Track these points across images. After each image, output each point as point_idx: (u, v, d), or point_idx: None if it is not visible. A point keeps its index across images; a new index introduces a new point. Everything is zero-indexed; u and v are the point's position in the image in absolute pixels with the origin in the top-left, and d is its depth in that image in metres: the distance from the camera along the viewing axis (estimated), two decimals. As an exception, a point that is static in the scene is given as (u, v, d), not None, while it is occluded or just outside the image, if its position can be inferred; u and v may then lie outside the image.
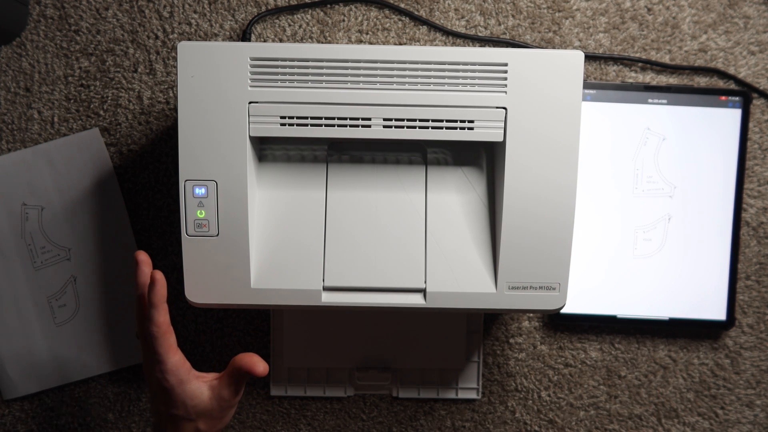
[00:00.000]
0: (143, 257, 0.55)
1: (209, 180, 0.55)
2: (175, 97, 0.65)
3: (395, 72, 0.54)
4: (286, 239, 0.57)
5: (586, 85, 0.67)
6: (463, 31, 0.69)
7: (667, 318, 0.68)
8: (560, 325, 0.70)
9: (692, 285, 0.68)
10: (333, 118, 0.55)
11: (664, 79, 0.69)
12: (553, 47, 0.69)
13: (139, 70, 0.68)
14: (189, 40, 0.68)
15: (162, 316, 0.53)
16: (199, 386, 0.54)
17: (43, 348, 0.69)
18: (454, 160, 0.59)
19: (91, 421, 0.70)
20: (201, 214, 0.55)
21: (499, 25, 0.69)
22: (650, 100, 0.67)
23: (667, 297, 0.68)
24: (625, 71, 0.69)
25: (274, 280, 0.56)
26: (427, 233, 0.57)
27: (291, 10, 0.68)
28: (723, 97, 0.68)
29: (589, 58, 0.68)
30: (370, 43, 0.68)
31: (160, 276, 0.52)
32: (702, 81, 0.70)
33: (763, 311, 0.71)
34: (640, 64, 0.69)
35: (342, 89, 0.54)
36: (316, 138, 0.57)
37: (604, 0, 0.69)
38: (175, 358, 0.53)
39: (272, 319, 0.69)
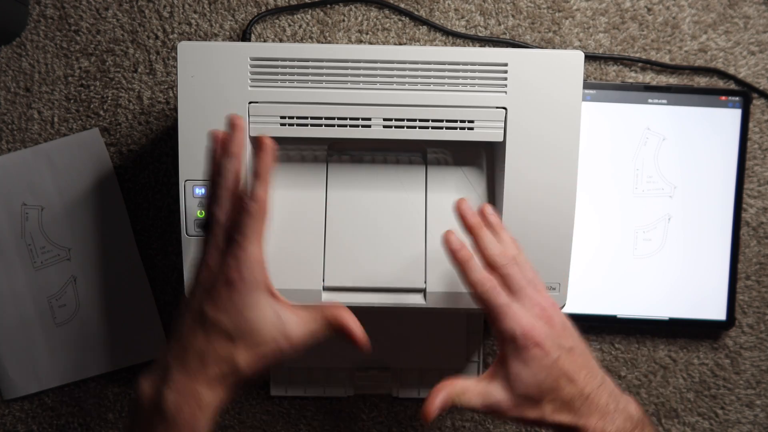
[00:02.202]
0: (239, 122, 0.46)
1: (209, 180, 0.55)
2: (175, 97, 0.65)
3: (395, 72, 0.54)
4: (286, 239, 0.57)
5: (586, 85, 0.67)
6: (463, 31, 0.69)
7: (667, 318, 0.68)
8: (560, 325, 0.70)
9: (692, 285, 0.68)
10: (333, 118, 0.55)
11: (664, 79, 0.69)
12: (553, 47, 0.69)
13: (139, 70, 0.68)
14: (189, 40, 0.68)
15: (264, 191, 0.44)
16: (269, 302, 0.43)
17: (43, 348, 0.69)
18: (454, 160, 0.59)
19: (90, 421, 0.70)
20: (201, 214, 0.55)
21: (499, 25, 0.69)
22: (650, 100, 0.67)
23: (667, 297, 0.68)
24: (625, 71, 0.69)
25: (274, 280, 0.56)
26: (427, 233, 0.57)
27: (291, 10, 0.68)
28: (723, 97, 0.68)
29: (589, 58, 0.68)
30: (370, 43, 0.68)
31: (269, 141, 0.44)
32: (702, 81, 0.70)
33: (763, 311, 0.71)
34: (640, 64, 0.69)
35: (342, 89, 0.54)
36: (316, 138, 0.57)
37: (604, 0, 0.69)
38: (259, 251, 0.43)
39: (272, 319, 0.69)
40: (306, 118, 0.55)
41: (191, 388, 0.41)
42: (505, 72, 0.54)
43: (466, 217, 0.50)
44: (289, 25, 0.68)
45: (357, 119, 0.55)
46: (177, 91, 0.54)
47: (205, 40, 0.68)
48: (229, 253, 0.43)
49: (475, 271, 0.47)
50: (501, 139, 0.55)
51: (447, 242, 0.49)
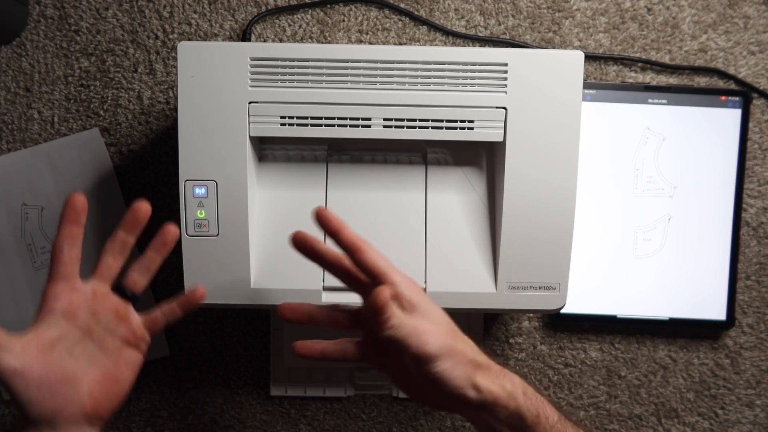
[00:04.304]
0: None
1: (209, 180, 0.55)
2: (175, 97, 0.65)
3: (395, 72, 0.54)
4: (286, 239, 0.57)
5: (586, 85, 0.67)
6: (463, 31, 0.69)
7: (667, 318, 0.68)
8: (560, 325, 0.70)
9: (692, 285, 0.68)
10: (333, 118, 0.55)
11: (664, 79, 0.69)
12: (553, 47, 0.69)
13: (139, 70, 0.68)
14: (189, 40, 0.68)
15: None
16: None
17: (43, 348, 0.69)
18: (454, 160, 0.59)
19: (91, 421, 0.70)
20: (201, 214, 0.55)
21: (499, 25, 0.69)
22: (650, 100, 0.67)
23: (667, 297, 0.68)
24: (625, 71, 0.69)
25: (274, 280, 0.56)
26: (427, 233, 0.57)
27: (291, 10, 0.68)
28: (723, 97, 0.68)
29: (589, 58, 0.68)
30: (370, 43, 0.68)
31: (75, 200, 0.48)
32: (702, 81, 0.70)
33: (763, 311, 0.71)
34: (640, 64, 0.69)
35: (342, 89, 0.54)
36: (316, 138, 0.57)
37: (604, 0, 0.69)
38: None
39: (272, 319, 0.69)
40: (306, 118, 0.55)
41: None
42: (505, 72, 0.54)
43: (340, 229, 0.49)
44: (289, 25, 0.68)
45: (357, 119, 0.55)
46: (177, 91, 0.54)
47: (205, 40, 0.68)
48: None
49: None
50: (501, 139, 0.55)
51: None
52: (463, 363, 0.45)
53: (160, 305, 0.51)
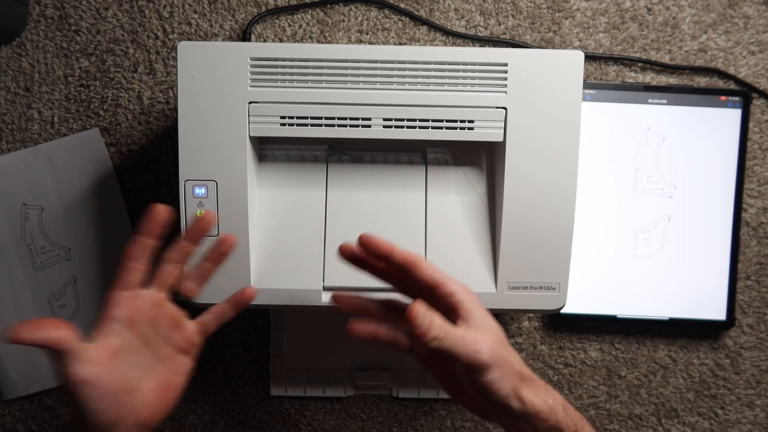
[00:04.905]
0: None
1: (209, 180, 0.55)
2: (175, 97, 0.65)
3: (395, 72, 0.54)
4: (286, 239, 0.57)
5: (586, 85, 0.67)
6: (463, 31, 0.69)
7: (667, 318, 0.68)
8: (560, 325, 0.70)
9: (692, 285, 0.68)
10: (333, 118, 0.55)
11: (664, 79, 0.69)
12: (553, 47, 0.69)
13: (139, 70, 0.68)
14: (189, 40, 0.68)
15: None
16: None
17: (43, 348, 0.69)
18: (454, 160, 0.59)
19: (91, 421, 0.70)
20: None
21: (499, 25, 0.69)
22: (650, 100, 0.67)
23: (667, 297, 0.68)
24: (625, 71, 0.69)
25: (274, 280, 0.56)
26: (427, 233, 0.57)
27: (291, 10, 0.68)
28: (723, 97, 0.68)
29: (589, 58, 0.68)
30: (370, 43, 0.68)
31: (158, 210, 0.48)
32: (702, 81, 0.70)
33: (763, 311, 0.71)
34: (640, 64, 0.69)
35: (342, 89, 0.54)
36: (316, 138, 0.57)
37: (604, 0, 0.69)
38: None
39: (272, 319, 0.69)
40: (306, 118, 0.55)
41: None
42: (505, 72, 0.54)
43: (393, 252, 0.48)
44: (289, 25, 0.68)
45: (357, 119, 0.55)
46: (177, 91, 0.54)
47: (205, 40, 0.68)
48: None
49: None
50: (501, 139, 0.55)
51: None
52: (510, 374, 0.45)
53: (210, 309, 0.51)
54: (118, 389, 0.44)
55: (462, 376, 0.47)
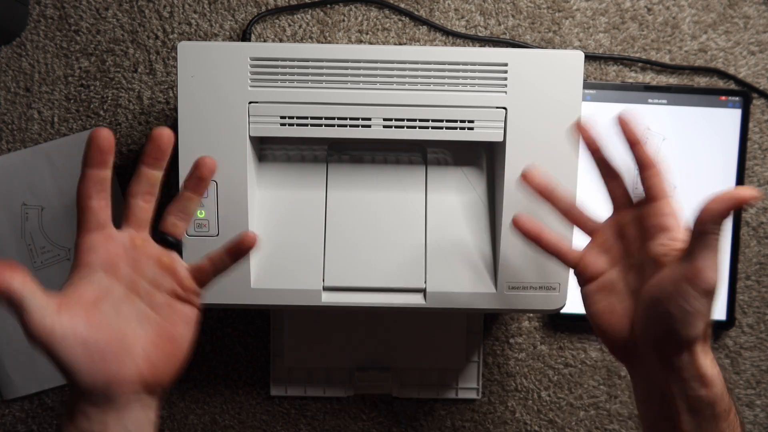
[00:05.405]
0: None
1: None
2: (175, 97, 0.65)
3: (395, 72, 0.54)
4: (286, 239, 0.57)
5: (586, 85, 0.67)
6: (463, 31, 0.69)
7: (667, 318, 0.68)
8: (560, 325, 0.70)
9: (692, 285, 0.68)
10: (333, 118, 0.55)
11: (664, 79, 0.69)
12: (553, 47, 0.69)
13: (139, 70, 0.68)
14: (189, 40, 0.68)
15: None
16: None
17: (43, 348, 0.69)
18: (454, 160, 0.59)
19: (91, 421, 0.70)
20: (201, 214, 0.55)
21: (499, 25, 0.69)
22: (650, 100, 0.67)
23: (667, 297, 0.68)
24: (625, 71, 0.69)
25: (274, 280, 0.56)
26: (427, 233, 0.57)
27: (291, 10, 0.68)
28: (723, 97, 0.68)
29: (589, 58, 0.68)
30: (370, 43, 0.68)
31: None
32: (702, 81, 0.70)
33: (763, 311, 0.71)
34: (640, 64, 0.69)
35: (342, 89, 0.54)
36: (316, 138, 0.57)
37: (604, 0, 0.69)
38: None
39: (272, 319, 0.69)
40: (306, 118, 0.55)
41: None
42: (505, 72, 0.54)
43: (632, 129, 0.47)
44: (289, 25, 0.68)
45: (357, 119, 0.55)
46: (177, 91, 0.54)
47: (205, 40, 0.68)
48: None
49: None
50: (501, 139, 0.55)
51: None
52: (707, 320, 0.42)
53: (207, 253, 0.45)
54: (102, 342, 0.38)
55: (648, 304, 0.43)
